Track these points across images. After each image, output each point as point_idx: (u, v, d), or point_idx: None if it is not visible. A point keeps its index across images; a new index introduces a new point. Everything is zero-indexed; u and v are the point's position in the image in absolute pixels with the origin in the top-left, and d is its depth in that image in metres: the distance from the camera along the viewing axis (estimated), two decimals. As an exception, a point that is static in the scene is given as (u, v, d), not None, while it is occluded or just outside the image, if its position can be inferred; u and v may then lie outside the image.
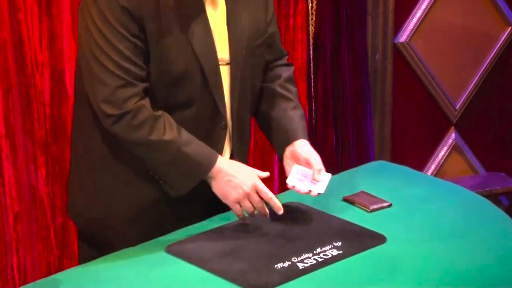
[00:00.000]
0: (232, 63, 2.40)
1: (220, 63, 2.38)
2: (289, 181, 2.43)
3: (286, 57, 2.66)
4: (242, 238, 2.34)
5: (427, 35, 4.20)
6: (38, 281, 2.25)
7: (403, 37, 4.15)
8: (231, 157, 2.48)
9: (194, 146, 2.31)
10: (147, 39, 2.27)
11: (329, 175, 2.45)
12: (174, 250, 2.28)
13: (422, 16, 4.17)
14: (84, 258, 2.41)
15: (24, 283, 3.19)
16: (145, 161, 2.34)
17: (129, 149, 2.33)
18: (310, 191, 2.40)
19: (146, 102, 2.29)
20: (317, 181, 2.42)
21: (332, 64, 3.88)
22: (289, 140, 2.50)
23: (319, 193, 2.42)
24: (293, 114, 2.54)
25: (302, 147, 2.48)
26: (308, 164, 2.44)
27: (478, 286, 2.18)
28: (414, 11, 4.17)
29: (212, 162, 2.32)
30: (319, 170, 2.43)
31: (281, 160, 2.53)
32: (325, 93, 3.88)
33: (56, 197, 3.31)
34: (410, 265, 2.23)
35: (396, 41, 4.13)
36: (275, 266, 2.18)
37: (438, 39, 4.22)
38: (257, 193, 2.33)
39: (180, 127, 2.32)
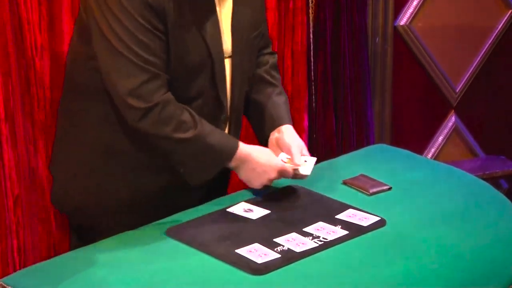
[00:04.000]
0: (234, 55, 2.42)
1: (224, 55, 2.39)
2: None
3: (271, 44, 2.68)
4: (242, 221, 2.34)
5: (427, 18, 4.18)
6: (38, 264, 2.25)
7: (403, 20, 4.14)
8: None
9: (217, 135, 2.34)
10: (167, 32, 2.27)
11: (314, 158, 2.46)
12: (174, 233, 2.29)
13: (423, -2, 4.16)
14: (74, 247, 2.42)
15: (25, 266, 3.19)
16: (167, 153, 2.34)
17: (134, 140, 2.33)
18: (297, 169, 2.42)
19: (170, 94, 2.29)
20: (298, 165, 2.43)
21: (332, 47, 3.87)
22: (274, 125, 2.51)
23: (305, 175, 2.43)
24: (278, 99, 2.56)
25: (287, 133, 2.49)
26: (289, 153, 2.45)
27: (478, 268, 2.19)
28: (415, -7, 4.16)
29: (234, 150, 2.35)
30: (299, 154, 2.44)
31: (262, 144, 2.53)
32: (325, 76, 3.87)
33: (56, 180, 3.31)
34: (410, 248, 2.23)
35: (396, 24, 4.12)
36: (275, 249, 2.19)
37: (438, 22, 4.21)
38: (281, 174, 2.39)
39: (201, 118, 2.33)
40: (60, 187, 2.50)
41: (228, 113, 2.45)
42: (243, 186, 2.49)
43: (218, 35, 2.36)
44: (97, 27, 2.27)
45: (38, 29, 3.18)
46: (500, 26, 4.33)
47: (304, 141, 3.81)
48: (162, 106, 2.26)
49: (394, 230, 2.31)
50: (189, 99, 2.36)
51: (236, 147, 2.35)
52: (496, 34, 4.33)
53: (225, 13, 2.39)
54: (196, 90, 2.36)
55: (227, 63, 2.41)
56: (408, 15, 4.15)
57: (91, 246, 2.27)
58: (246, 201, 2.44)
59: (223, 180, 2.60)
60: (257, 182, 2.39)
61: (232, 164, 2.37)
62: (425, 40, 4.20)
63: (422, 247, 2.24)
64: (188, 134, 2.28)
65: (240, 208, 2.40)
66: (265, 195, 2.47)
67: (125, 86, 2.24)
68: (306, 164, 2.45)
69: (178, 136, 2.28)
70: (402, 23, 4.14)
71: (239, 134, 2.56)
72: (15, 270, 3.15)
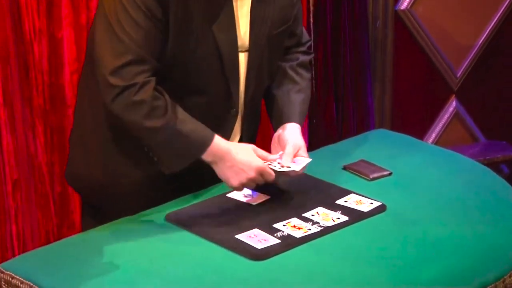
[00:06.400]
0: (251, 50, 2.39)
1: (239, 49, 2.37)
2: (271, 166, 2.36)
3: (308, 44, 2.63)
4: (242, 207, 2.34)
5: (428, 2, 4.17)
6: (37, 249, 2.26)
7: (404, 4, 4.13)
8: (240, 140, 2.47)
9: (189, 125, 2.29)
10: (168, 24, 2.26)
11: (309, 159, 2.39)
12: (173, 219, 2.29)
13: (424, -18, 4.15)
14: (86, 227, 2.42)
15: (23, 251, 3.20)
16: (140, 140, 2.32)
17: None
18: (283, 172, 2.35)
19: (153, 80, 2.27)
20: (287, 166, 2.36)
21: (332, 32, 3.86)
22: (281, 122, 2.48)
23: (295, 172, 2.35)
24: (295, 97, 2.52)
25: (290, 131, 2.44)
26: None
27: (478, 254, 2.19)
28: (415, -23, 4.15)
29: (208, 142, 2.28)
30: (290, 154, 2.37)
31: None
32: (325, 61, 3.87)
33: (55, 165, 3.31)
34: (410, 234, 2.23)
35: (397, 8, 4.11)
36: (275, 234, 2.19)
37: (439, 6, 4.20)
38: (262, 175, 2.31)
39: (177, 106, 2.29)
40: (75, 162, 2.50)
41: (241, 108, 2.44)
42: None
43: (232, 28, 2.33)
44: (101, 2, 2.30)
45: (36, 14, 3.18)
46: (502, 10, 4.32)
47: (304, 127, 3.82)
48: (139, 87, 2.23)
49: (394, 216, 2.31)
50: (192, 91, 2.35)
51: (210, 140, 2.28)
52: (498, 18, 4.32)
53: (244, 8, 2.36)
54: (203, 82, 2.34)
55: (242, 57, 2.38)
56: (409, -1, 4.14)
57: (89, 232, 2.27)
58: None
59: None
60: (234, 181, 2.30)
61: (208, 158, 2.30)
62: (426, 24, 4.19)
63: (422, 232, 2.24)
64: (158, 122, 2.25)
65: (240, 194, 2.40)
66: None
67: (111, 63, 2.24)
68: (295, 165, 2.36)
69: (148, 123, 2.25)
70: (403, 7, 4.13)
71: (254, 126, 2.53)
72: (14, 256, 3.15)
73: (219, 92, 2.38)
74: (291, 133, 2.43)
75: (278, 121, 2.49)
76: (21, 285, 2.07)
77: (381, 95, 4.15)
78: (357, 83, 3.98)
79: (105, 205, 2.48)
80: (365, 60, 3.97)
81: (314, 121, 3.89)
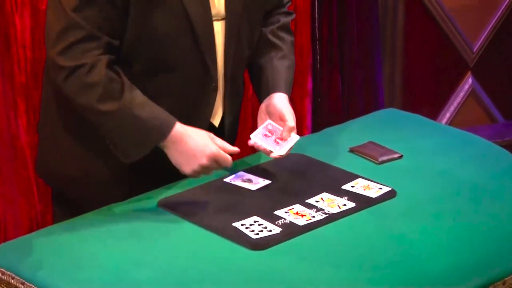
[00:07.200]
0: (227, 18, 2.38)
1: (214, 18, 2.36)
2: (253, 136, 2.40)
3: (288, 4, 2.64)
4: (240, 192, 2.35)
5: (442, -30, 4.17)
6: (19, 238, 2.26)
7: (415, -29, 4.13)
8: (223, 118, 2.47)
9: (147, 109, 2.28)
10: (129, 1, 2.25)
11: (297, 137, 2.41)
12: (166, 205, 2.30)
13: (437, -51, 4.15)
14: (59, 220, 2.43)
15: (5, 240, 3.21)
16: (95, 125, 2.31)
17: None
18: (267, 150, 2.38)
19: (105, 59, 2.26)
20: (283, 140, 2.40)
21: (338, 2, 3.86)
22: (268, 92, 2.48)
23: (280, 156, 2.38)
24: (279, 63, 2.52)
25: (279, 101, 2.45)
26: (281, 119, 2.42)
27: (494, 244, 2.20)
28: None
29: (169, 127, 2.28)
30: (290, 129, 2.40)
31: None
32: (330, 35, 3.87)
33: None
34: (422, 222, 2.24)
35: (408, -25, 4.11)
36: (276, 222, 2.20)
37: (454, -26, 4.20)
38: (217, 162, 2.30)
39: (134, 88, 2.29)
40: (46, 153, 2.51)
41: (221, 83, 2.44)
42: (242, 154, 2.49)
43: None
44: None
45: (17, -17, 3.18)
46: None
47: (307, 105, 3.83)
48: (89, 68, 2.24)
49: (405, 202, 2.32)
50: (168, 67, 2.33)
51: (170, 126, 2.28)
52: (519, -13, 4.32)
53: None
54: (175, 57, 2.33)
55: (219, 26, 2.38)
56: (421, -35, 4.14)
57: (77, 219, 2.28)
58: (245, 171, 2.45)
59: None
60: (187, 168, 2.30)
61: (162, 143, 2.30)
62: (440, -7, 4.19)
63: (435, 220, 2.25)
64: (112, 106, 2.25)
65: (239, 178, 2.41)
66: (265, 164, 2.48)
67: (57, 43, 2.24)
68: (283, 144, 2.38)
69: (102, 107, 2.25)
70: (414, -26, 4.13)
71: (237, 102, 2.54)
72: (-5, 245, 3.16)
73: (195, 66, 2.37)
74: (281, 101, 2.44)
75: (264, 91, 2.50)
76: (3, 276, 2.08)
77: (391, 71, 4.15)
78: (365, 58, 3.98)
79: (79, 196, 2.47)
80: (373, 33, 3.97)
81: (319, 99, 3.90)
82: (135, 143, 2.30)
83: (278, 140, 2.39)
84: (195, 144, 2.29)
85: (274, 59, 2.53)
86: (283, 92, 2.48)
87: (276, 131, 2.40)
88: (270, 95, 2.47)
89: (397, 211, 2.28)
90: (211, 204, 2.29)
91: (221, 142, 2.32)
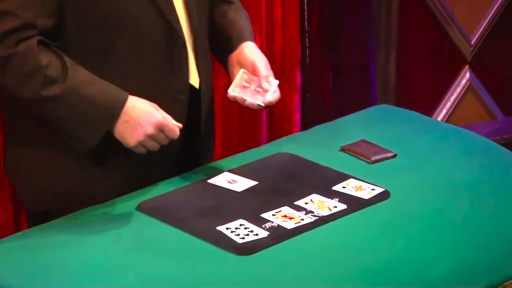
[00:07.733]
0: None
1: None
2: (231, 91, 2.39)
3: None
4: (225, 194, 2.35)
5: (438, -42, 4.18)
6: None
7: (411, -40, 4.14)
8: (199, 86, 2.46)
9: (97, 87, 2.28)
10: None
11: (276, 81, 2.41)
12: (147, 208, 2.29)
13: None
14: None
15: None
16: (46, 118, 2.30)
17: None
18: (253, 103, 2.38)
19: (37, 40, 2.24)
20: (263, 89, 2.39)
21: (329, -8, 3.87)
22: (233, 44, 2.49)
23: (269, 102, 2.38)
24: (235, 15, 2.55)
25: (248, 49, 2.46)
26: (254, 69, 2.42)
27: (492, 246, 2.20)
28: None
29: (121, 104, 2.28)
30: (266, 77, 2.40)
31: (228, 71, 2.51)
32: (321, 26, 3.87)
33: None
34: (416, 224, 2.25)
35: (403, -36, 4.12)
36: (263, 225, 2.20)
37: (451, -38, 4.21)
38: (163, 131, 2.29)
39: (78, 66, 2.28)
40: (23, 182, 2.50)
41: (188, 37, 2.42)
42: (226, 154, 2.49)
43: None
44: None
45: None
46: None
47: (296, 101, 3.83)
48: (22, 55, 2.23)
49: (399, 204, 2.32)
50: (127, 26, 2.32)
51: (123, 102, 2.28)
52: (518, -23, 4.33)
53: None
54: (132, 16, 2.32)
55: None
56: (417, -46, 4.15)
57: (54, 222, 2.28)
58: (230, 171, 2.45)
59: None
60: (131, 139, 2.28)
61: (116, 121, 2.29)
62: (436, -17, 4.20)
63: (430, 222, 2.25)
64: (57, 89, 2.24)
65: (223, 179, 2.41)
66: (251, 163, 2.48)
67: None
68: (264, 91, 2.39)
69: (46, 92, 2.24)
70: (409, -36, 4.14)
71: (208, 70, 2.52)
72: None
73: (157, 23, 2.35)
74: (252, 49, 2.46)
75: (229, 46, 2.50)
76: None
77: (384, 65, 4.16)
78: (357, 50, 3.98)
79: (48, 210, 2.46)
80: (367, 25, 3.98)
81: (308, 95, 3.90)
82: (88, 125, 2.28)
83: (257, 89, 2.40)
84: (139, 113, 2.28)
85: (229, 12, 2.55)
86: (250, 41, 2.49)
87: (254, 79, 2.41)
88: (239, 46, 2.47)
89: (391, 213, 2.29)
90: (194, 207, 2.29)
91: (163, 113, 2.31)
